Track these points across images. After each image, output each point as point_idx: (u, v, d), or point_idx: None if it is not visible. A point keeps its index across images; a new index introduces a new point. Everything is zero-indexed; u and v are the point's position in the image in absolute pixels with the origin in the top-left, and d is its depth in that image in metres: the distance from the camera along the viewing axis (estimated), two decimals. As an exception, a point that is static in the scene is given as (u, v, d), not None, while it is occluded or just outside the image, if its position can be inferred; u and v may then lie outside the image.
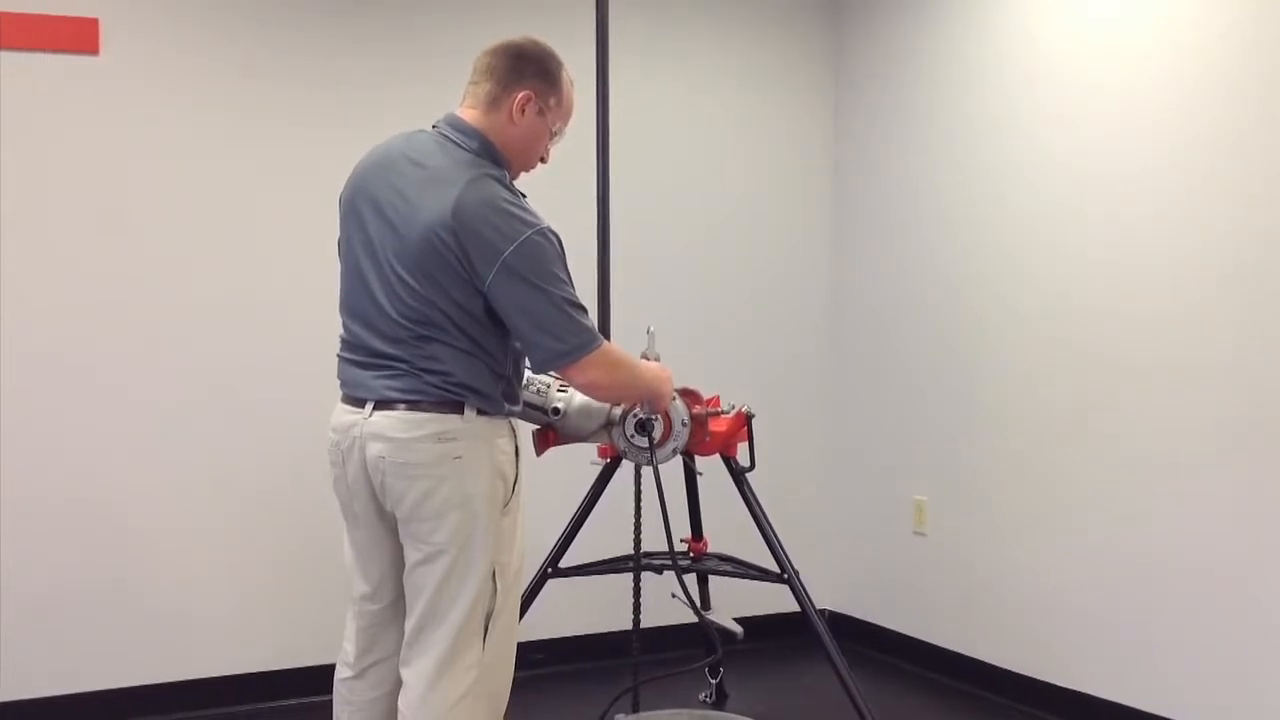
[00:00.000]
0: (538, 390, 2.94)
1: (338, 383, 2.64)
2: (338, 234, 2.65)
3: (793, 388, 4.83)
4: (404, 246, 2.45)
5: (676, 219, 4.65)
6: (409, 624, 2.53)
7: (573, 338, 2.47)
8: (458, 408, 2.46)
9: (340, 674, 2.68)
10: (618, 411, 3.05)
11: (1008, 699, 4.09)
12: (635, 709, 3.42)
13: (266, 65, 4.06)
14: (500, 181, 2.49)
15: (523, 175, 2.65)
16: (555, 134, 2.64)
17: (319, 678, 3.12)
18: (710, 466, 3.31)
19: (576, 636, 4.43)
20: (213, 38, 3.99)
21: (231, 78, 4.01)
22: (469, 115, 2.57)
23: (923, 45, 4.45)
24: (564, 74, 2.64)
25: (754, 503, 3.27)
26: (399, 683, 2.57)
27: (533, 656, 4.29)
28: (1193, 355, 3.50)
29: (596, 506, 3.39)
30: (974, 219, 4.23)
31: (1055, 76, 3.92)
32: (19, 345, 3.77)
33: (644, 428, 3.04)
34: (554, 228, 2.47)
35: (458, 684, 2.49)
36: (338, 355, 2.63)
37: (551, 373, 2.82)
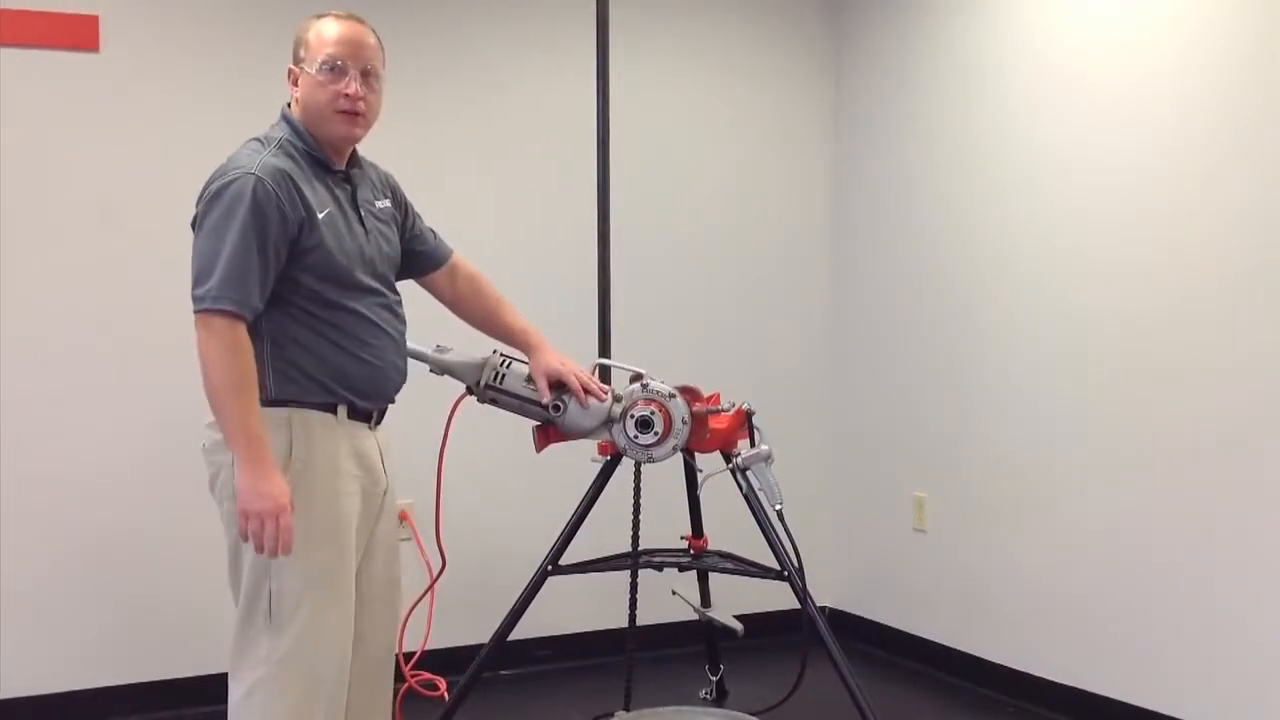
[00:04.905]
0: (534, 386, 2.94)
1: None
2: None
3: (792, 384, 4.83)
4: None
5: (677, 217, 4.65)
6: None
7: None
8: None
9: None
10: (618, 409, 3.06)
11: (1007, 695, 4.09)
12: (627, 706, 3.41)
13: (265, 61, 4.03)
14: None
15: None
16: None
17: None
18: (711, 463, 3.30)
19: (577, 633, 4.43)
20: (212, 34, 3.99)
21: (231, 74, 4.00)
22: None
23: (923, 45, 4.45)
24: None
25: (755, 500, 3.26)
26: None
27: (535, 653, 4.30)
28: (1192, 353, 3.50)
29: (597, 504, 3.39)
30: (973, 217, 4.23)
31: (1055, 77, 3.92)
32: (16, 342, 3.77)
33: (645, 425, 3.04)
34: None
35: (242, 683, 2.48)
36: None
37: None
